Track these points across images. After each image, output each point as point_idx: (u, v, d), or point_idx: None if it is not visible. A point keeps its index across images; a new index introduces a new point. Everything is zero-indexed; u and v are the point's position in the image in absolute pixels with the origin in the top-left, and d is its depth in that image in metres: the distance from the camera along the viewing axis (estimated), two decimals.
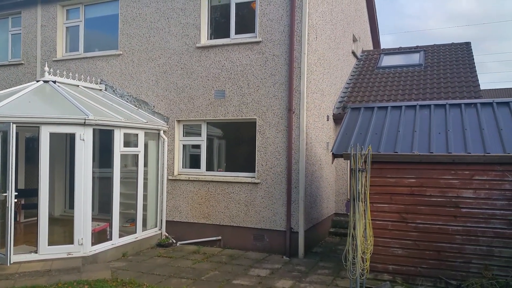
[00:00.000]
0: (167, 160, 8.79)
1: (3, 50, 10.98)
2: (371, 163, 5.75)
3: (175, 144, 8.79)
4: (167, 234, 8.72)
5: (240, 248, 8.10)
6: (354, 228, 5.39)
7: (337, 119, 9.66)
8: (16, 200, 6.58)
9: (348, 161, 6.02)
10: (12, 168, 6.37)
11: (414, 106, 6.92)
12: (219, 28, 8.75)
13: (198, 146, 8.77)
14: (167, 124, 8.80)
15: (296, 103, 7.69)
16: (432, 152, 5.77)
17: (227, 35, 8.44)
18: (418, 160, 5.82)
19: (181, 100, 8.68)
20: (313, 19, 8.04)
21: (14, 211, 6.55)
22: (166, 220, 8.73)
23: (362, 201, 5.41)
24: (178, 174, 8.82)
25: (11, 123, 6.37)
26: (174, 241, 8.61)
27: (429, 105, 6.84)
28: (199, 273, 6.67)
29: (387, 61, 11.80)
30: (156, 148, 8.73)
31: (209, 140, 8.75)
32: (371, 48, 14.59)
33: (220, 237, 8.33)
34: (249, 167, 8.21)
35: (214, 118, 8.40)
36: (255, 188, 8.02)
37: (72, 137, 7.23)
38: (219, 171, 8.63)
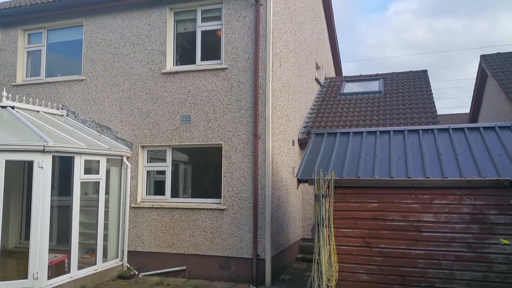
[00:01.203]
0: (130, 187, 8.55)
1: None
2: (335, 188, 5.82)
3: (138, 170, 8.60)
4: (128, 265, 8.36)
5: (206, 278, 7.88)
6: (319, 254, 5.39)
7: (302, 143, 9.84)
8: None
9: (313, 186, 6.08)
10: None
11: (375, 132, 7.09)
12: (185, 54, 8.83)
13: (163, 172, 8.62)
14: (130, 150, 8.62)
15: (262, 128, 7.78)
16: (393, 177, 5.86)
17: (193, 61, 8.52)
18: (380, 185, 5.89)
19: (146, 125, 8.57)
20: (277, 48, 8.29)
21: None
22: (128, 250, 8.39)
23: (326, 227, 5.43)
24: (141, 202, 8.58)
25: None
26: (136, 272, 8.26)
27: (388, 131, 7.02)
28: None
29: (349, 88, 12.27)
30: (118, 175, 8.49)
31: (175, 166, 8.63)
32: (334, 75, 15.15)
33: (184, 267, 8.08)
34: (215, 193, 8.13)
35: (180, 143, 8.32)
36: (221, 214, 7.91)
37: (30, 164, 6.92)
38: (185, 197, 8.48)
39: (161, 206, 8.31)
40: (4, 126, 7.23)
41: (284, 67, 8.79)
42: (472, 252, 5.45)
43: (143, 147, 8.67)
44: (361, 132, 7.18)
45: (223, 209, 7.89)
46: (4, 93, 7.98)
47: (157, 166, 8.72)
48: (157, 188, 8.73)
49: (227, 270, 7.81)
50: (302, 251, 9.70)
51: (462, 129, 6.69)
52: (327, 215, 5.46)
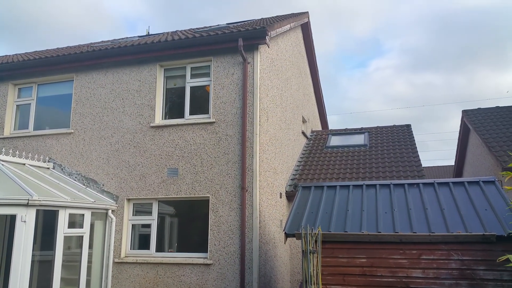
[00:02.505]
0: (114, 241, 8.32)
1: None
2: (323, 242, 5.78)
3: (123, 223, 8.43)
4: None
5: None
6: None
7: (290, 196, 9.86)
8: None
9: (300, 240, 6.02)
10: None
11: (361, 185, 7.13)
12: (174, 108, 9.05)
13: (148, 225, 8.46)
14: (116, 203, 8.50)
15: (249, 181, 7.83)
16: (380, 232, 5.85)
17: (181, 115, 8.72)
18: (368, 240, 5.84)
19: (133, 178, 8.55)
20: (264, 103, 8.59)
21: None
22: None
23: (314, 284, 5.33)
24: (125, 257, 8.31)
25: None
26: None
27: (375, 185, 7.06)
28: None
29: (335, 141, 12.57)
30: (103, 228, 8.30)
31: (161, 219, 8.49)
32: (320, 128, 15.55)
33: None
34: (202, 246, 7.96)
35: (166, 196, 8.27)
36: (207, 269, 7.69)
37: (12, 218, 6.75)
38: (170, 251, 8.26)
39: (146, 261, 8.05)
40: None
41: (271, 121, 9.05)
42: None
43: (129, 200, 8.57)
44: (348, 186, 7.24)
45: (209, 264, 7.69)
46: None
47: (142, 219, 8.57)
48: (142, 242, 8.51)
49: None
50: None
51: (447, 184, 6.77)
52: (315, 271, 5.37)
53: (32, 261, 6.66)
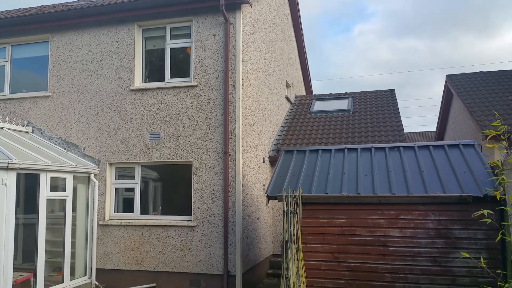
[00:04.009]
0: (98, 205, 8.36)
1: None
2: (304, 204, 5.92)
3: (106, 187, 8.44)
4: (97, 283, 8.11)
5: None
6: (287, 269, 5.45)
7: (273, 161, 9.96)
8: None
9: (281, 203, 6.16)
10: None
11: (343, 149, 7.24)
12: (154, 71, 8.85)
13: (132, 189, 8.49)
14: (98, 167, 8.46)
15: (232, 145, 7.85)
16: (360, 193, 6.01)
17: (162, 78, 8.55)
18: (347, 201, 6.00)
19: (114, 142, 8.46)
20: (247, 66, 8.46)
21: None
22: (96, 268, 8.15)
23: (294, 242, 5.52)
24: (110, 219, 8.39)
25: None
26: None
27: (356, 149, 7.19)
28: None
29: (319, 106, 12.59)
30: (86, 192, 8.29)
31: (144, 183, 8.53)
32: (304, 93, 15.51)
33: (154, 284, 7.92)
34: (185, 210, 8.07)
35: (149, 160, 8.26)
36: (191, 231, 7.85)
37: None
38: (154, 214, 8.37)
39: (130, 224, 8.16)
40: None
41: (254, 85, 8.96)
42: (437, 266, 5.62)
43: (111, 164, 8.53)
44: (330, 150, 7.33)
45: (193, 226, 7.84)
46: None
47: (125, 183, 8.59)
48: (126, 205, 8.58)
49: (197, 286, 7.71)
50: (273, 266, 9.71)
51: (427, 147, 6.91)
52: (295, 230, 5.54)
53: (17, 225, 6.70)
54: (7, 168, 6.48)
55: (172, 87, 8.29)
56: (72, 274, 7.75)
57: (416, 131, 36.21)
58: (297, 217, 5.66)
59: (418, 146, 6.96)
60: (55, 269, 7.70)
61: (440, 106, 15.22)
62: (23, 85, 9.43)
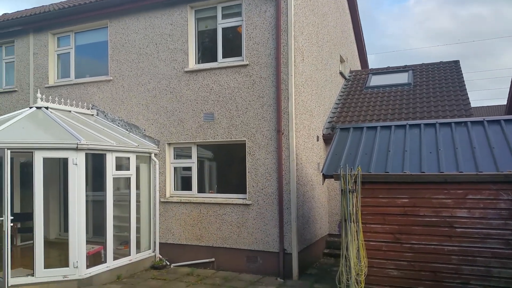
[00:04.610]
0: (159, 183, 8.79)
1: None
2: (363, 183, 5.74)
3: (166, 166, 8.81)
4: (160, 256, 8.63)
5: (234, 270, 8.02)
6: (346, 250, 5.37)
7: (327, 139, 9.74)
8: (12, 224, 6.65)
9: (339, 181, 6.03)
10: (7, 192, 6.46)
11: (404, 125, 6.86)
12: (206, 52, 8.92)
13: (189, 168, 8.79)
14: (158, 147, 8.84)
15: (285, 124, 7.77)
16: (424, 172, 5.70)
17: (214, 59, 8.60)
18: (410, 180, 5.73)
19: (171, 123, 8.75)
20: (299, 42, 8.23)
21: (11, 234, 6.60)
22: (159, 242, 8.67)
23: (354, 222, 5.40)
24: (170, 196, 8.80)
25: (6, 149, 6.48)
26: (168, 263, 8.52)
27: (419, 124, 6.79)
28: None
29: (376, 81, 11.99)
30: (147, 171, 8.75)
31: (200, 162, 8.78)
32: (359, 68, 14.85)
33: (213, 259, 8.25)
34: (240, 188, 8.21)
35: (204, 140, 8.45)
36: (246, 209, 8.00)
37: (65, 161, 7.27)
38: (211, 192, 8.62)
39: (189, 201, 8.49)
40: (40, 126, 7.61)
41: (307, 61, 8.71)
42: (510, 249, 5.25)
43: (169, 144, 8.86)
44: (390, 126, 6.99)
45: (249, 204, 7.97)
46: (39, 95, 8.37)
47: (183, 162, 8.90)
48: (184, 183, 8.93)
49: (254, 263, 7.90)
50: (329, 246, 9.66)
51: (498, 121, 6.38)
52: (354, 210, 5.40)
53: (86, 201, 7.27)
54: (76, 149, 7.00)
55: (225, 67, 8.32)
56: (138, 248, 8.32)
57: (483, 105, 33.48)
58: (356, 196, 5.50)
59: (488, 121, 6.44)
60: (122, 242, 8.30)
61: None
62: (86, 70, 10.00)
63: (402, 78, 11.78)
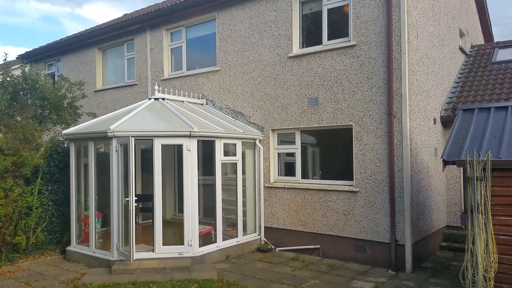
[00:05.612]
0: (263, 168, 8.97)
1: (120, 73, 12.51)
2: (492, 170, 5.07)
3: (270, 152, 8.94)
4: (266, 240, 8.86)
5: (340, 258, 7.82)
6: (473, 243, 4.80)
7: (446, 122, 8.81)
8: (136, 204, 7.36)
9: (461, 168, 5.40)
10: (132, 176, 7.15)
11: None
12: (310, 36, 8.72)
13: (292, 154, 8.79)
14: (262, 134, 9.00)
15: (397, 106, 7.22)
16: None
17: (319, 42, 8.37)
18: None
19: (275, 109, 8.82)
20: (413, 17, 7.52)
21: (134, 213, 7.32)
22: (264, 226, 8.88)
23: (481, 213, 4.79)
24: (274, 182, 8.92)
25: (130, 137, 7.18)
26: (273, 246, 8.70)
27: None
28: (299, 281, 6.62)
29: (503, 55, 10.43)
30: (252, 156, 8.99)
31: (303, 148, 8.70)
32: (482, 42, 13.09)
33: (318, 246, 8.16)
34: (346, 175, 7.92)
35: (308, 126, 8.33)
36: (353, 196, 7.69)
37: (179, 148, 7.86)
38: (314, 179, 8.50)
39: (292, 187, 8.50)
40: (158, 115, 8.33)
41: (422, 37, 7.93)
42: None
43: (273, 130, 8.96)
44: None
45: (356, 192, 7.65)
46: (156, 87, 9.17)
47: (287, 148, 8.92)
48: (288, 169, 8.96)
49: (362, 253, 7.60)
50: (447, 239, 8.80)
51: None
52: (482, 200, 4.78)
53: (198, 185, 7.75)
54: (189, 136, 7.49)
55: (330, 49, 8.04)
56: (244, 230, 8.65)
57: None
58: (485, 185, 4.84)
59: None
60: (229, 224, 8.72)
61: None
62: (196, 62, 10.65)
63: None
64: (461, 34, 10.78)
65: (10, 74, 9.32)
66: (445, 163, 5.89)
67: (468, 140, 5.87)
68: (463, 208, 8.30)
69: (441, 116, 8.89)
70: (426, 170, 8.03)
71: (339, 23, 8.21)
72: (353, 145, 7.73)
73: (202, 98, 10.10)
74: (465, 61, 10.82)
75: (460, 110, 6.67)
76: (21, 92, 9.33)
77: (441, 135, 8.92)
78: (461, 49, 10.56)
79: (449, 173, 8.99)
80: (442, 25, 9.18)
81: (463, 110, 6.62)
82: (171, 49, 11.11)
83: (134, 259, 7.08)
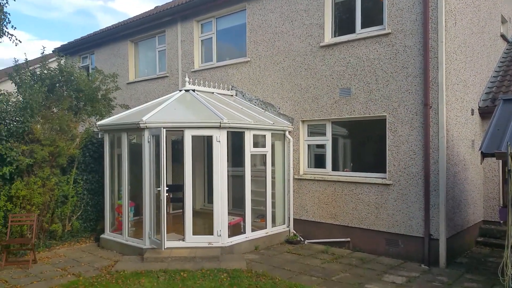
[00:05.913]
0: (293, 160, 8.90)
1: (152, 65, 12.70)
2: None
3: (300, 144, 8.86)
4: (294, 232, 8.83)
5: (371, 252, 7.69)
6: None
7: (484, 113, 8.43)
8: (167, 194, 7.48)
9: (501, 161, 5.16)
10: (163, 166, 7.26)
11: None
12: (343, 24, 8.52)
13: (322, 146, 8.67)
14: (292, 125, 8.93)
15: (434, 96, 6.96)
16: None
17: (352, 30, 8.16)
18: None
19: (305, 100, 8.71)
20: (451, 4, 7.19)
21: (165, 203, 7.45)
22: (293, 218, 8.85)
23: None
24: (304, 174, 8.85)
25: (162, 128, 7.29)
26: (302, 239, 8.66)
27: None
28: (329, 273, 6.56)
29: None
30: (282, 148, 8.94)
31: (334, 140, 8.56)
32: None
33: (349, 239, 8.05)
34: (378, 167, 7.74)
35: (339, 117, 8.18)
36: (386, 189, 7.52)
37: (209, 139, 7.90)
38: (345, 171, 8.36)
39: (322, 179, 8.41)
40: (188, 106, 8.41)
41: (460, 24, 7.59)
42: None
43: (303, 121, 8.86)
44: None
45: (389, 184, 7.47)
46: (187, 79, 9.25)
47: (317, 140, 8.81)
48: (318, 161, 8.86)
49: (394, 246, 7.44)
50: (483, 234, 8.48)
51: None
52: None
53: (228, 176, 7.78)
54: (219, 127, 7.52)
55: (363, 38, 7.83)
56: (273, 222, 8.65)
57: None
58: None
59: None
60: (258, 216, 8.74)
61: None
62: (226, 53, 10.65)
63: None
64: (503, 21, 10.24)
65: (47, 67, 9.65)
66: (484, 155, 5.66)
67: (509, 131, 5.62)
68: (501, 203, 7.95)
69: (479, 106, 8.51)
70: (462, 163, 7.73)
71: (373, 11, 7.97)
72: (387, 137, 7.54)
73: (231, 89, 10.10)
74: (507, 49, 10.27)
75: (501, 100, 6.38)
76: (57, 85, 9.64)
77: (479, 126, 8.55)
78: (502, 36, 10.03)
79: (487, 166, 8.62)
80: (483, 11, 8.74)
81: (504, 100, 6.34)
82: (201, 40, 11.16)
83: (165, 247, 7.23)
